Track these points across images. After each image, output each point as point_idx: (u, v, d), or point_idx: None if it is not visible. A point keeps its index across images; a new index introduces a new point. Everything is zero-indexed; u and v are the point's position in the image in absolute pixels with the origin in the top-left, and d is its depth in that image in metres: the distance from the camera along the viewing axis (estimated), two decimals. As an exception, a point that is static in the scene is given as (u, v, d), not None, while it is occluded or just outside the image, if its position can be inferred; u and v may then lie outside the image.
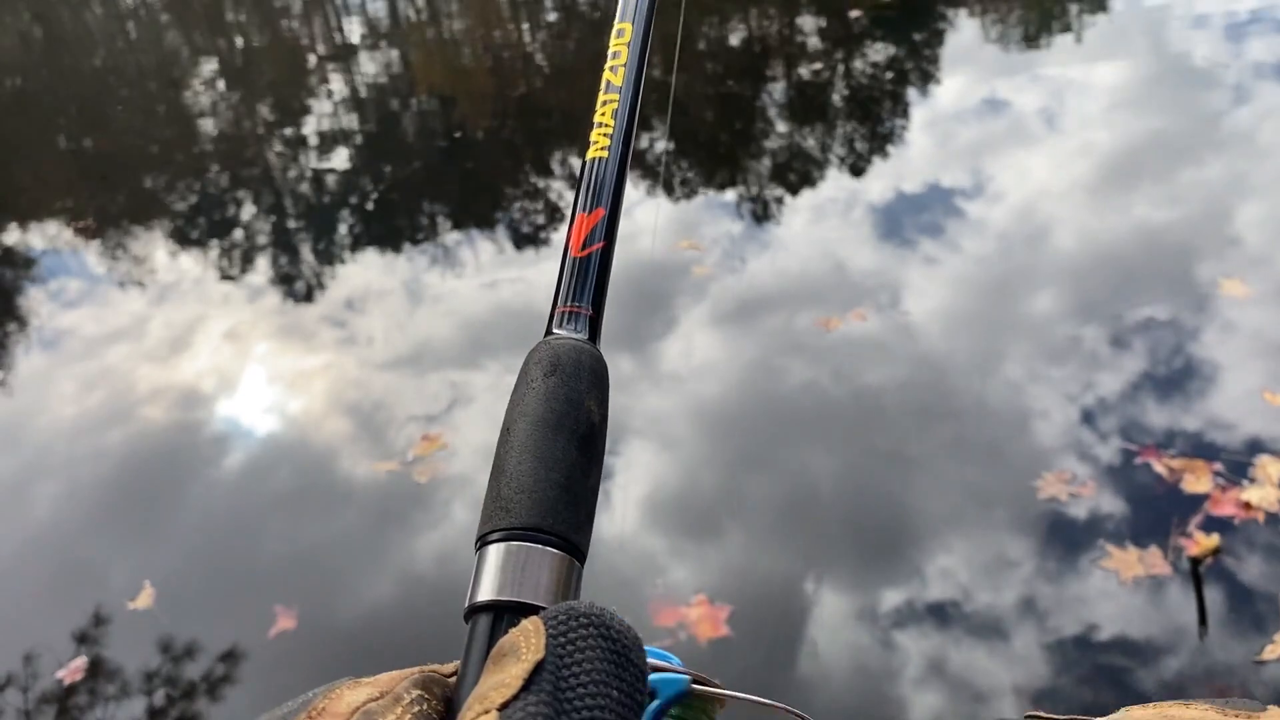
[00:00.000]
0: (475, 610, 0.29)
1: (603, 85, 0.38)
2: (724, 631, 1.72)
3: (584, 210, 0.35)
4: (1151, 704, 0.33)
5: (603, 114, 0.37)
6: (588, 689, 0.24)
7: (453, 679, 0.28)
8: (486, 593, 0.29)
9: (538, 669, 0.23)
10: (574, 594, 0.29)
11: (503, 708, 0.23)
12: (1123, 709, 0.32)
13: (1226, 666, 1.55)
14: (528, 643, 0.24)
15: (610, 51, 0.38)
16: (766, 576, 1.85)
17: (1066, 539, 1.79)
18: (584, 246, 0.35)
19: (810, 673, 1.66)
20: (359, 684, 0.26)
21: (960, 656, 1.63)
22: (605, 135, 0.37)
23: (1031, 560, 1.77)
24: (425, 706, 0.26)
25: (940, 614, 1.70)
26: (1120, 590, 1.68)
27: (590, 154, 0.36)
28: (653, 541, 1.96)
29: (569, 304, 0.34)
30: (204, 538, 2.21)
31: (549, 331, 0.34)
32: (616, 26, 0.39)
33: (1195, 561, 1.68)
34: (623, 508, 2.06)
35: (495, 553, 0.30)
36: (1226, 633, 1.59)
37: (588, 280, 0.34)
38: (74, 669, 1.89)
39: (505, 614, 0.28)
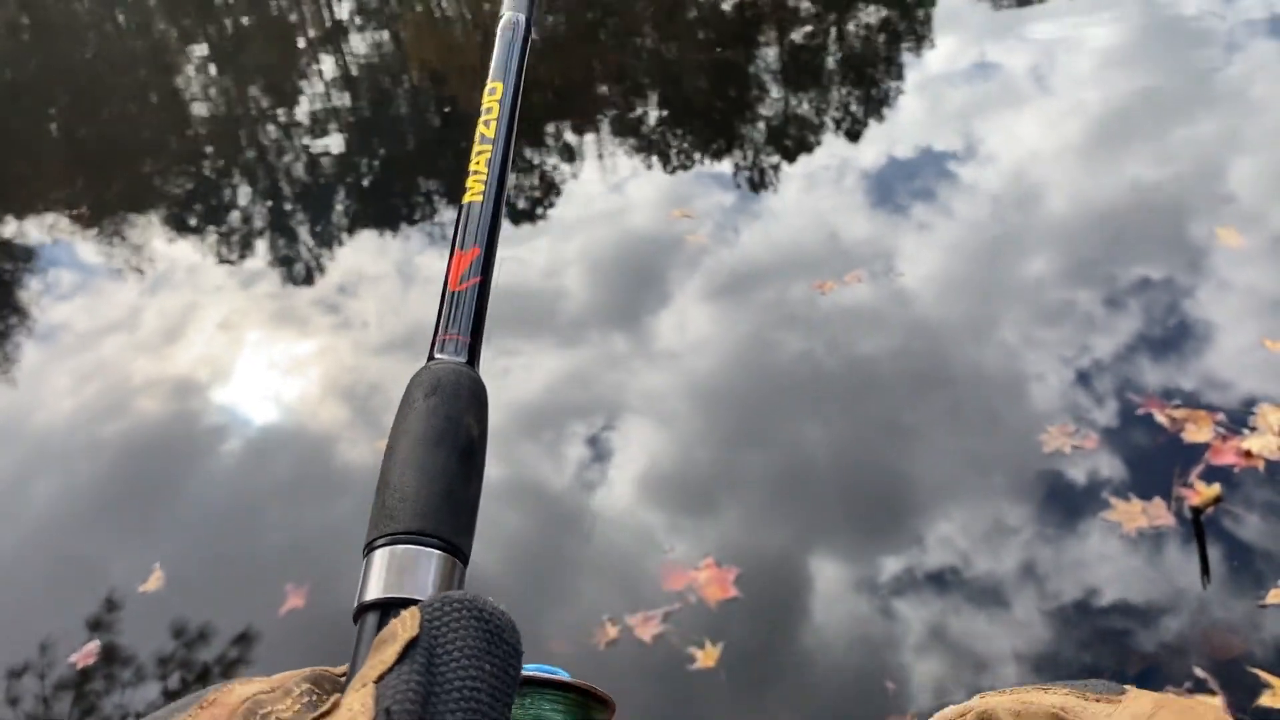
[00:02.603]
0: (363, 610, 0.31)
1: (477, 137, 0.41)
2: (733, 593, 1.74)
3: (461, 248, 0.38)
4: (1009, 689, 0.32)
5: (477, 163, 0.41)
6: (459, 662, 0.25)
7: (343, 678, 0.29)
8: (373, 593, 0.31)
9: (411, 645, 0.25)
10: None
11: (378, 680, 0.24)
12: (977, 695, 0.32)
13: (1231, 613, 1.56)
14: (404, 626, 0.26)
15: (484, 107, 0.42)
16: (772, 539, 1.87)
17: (1071, 492, 1.80)
18: (461, 281, 0.38)
19: (820, 627, 1.67)
20: (250, 681, 0.27)
21: (968, 606, 1.64)
22: (480, 181, 0.40)
23: (1036, 508, 1.78)
24: (314, 699, 0.28)
25: (948, 568, 1.71)
26: (1124, 541, 1.69)
27: (466, 198, 0.40)
28: (658, 513, 1.97)
29: (448, 333, 0.37)
30: (210, 522, 2.22)
31: (430, 358, 0.37)
32: (489, 85, 0.43)
33: (1197, 511, 1.68)
34: (623, 481, 2.06)
35: (380, 556, 0.32)
36: (1230, 579, 1.60)
37: (465, 311, 0.37)
38: (87, 653, 1.91)
39: (391, 609, 0.30)
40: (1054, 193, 2.78)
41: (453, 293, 0.38)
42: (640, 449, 2.13)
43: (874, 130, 3.39)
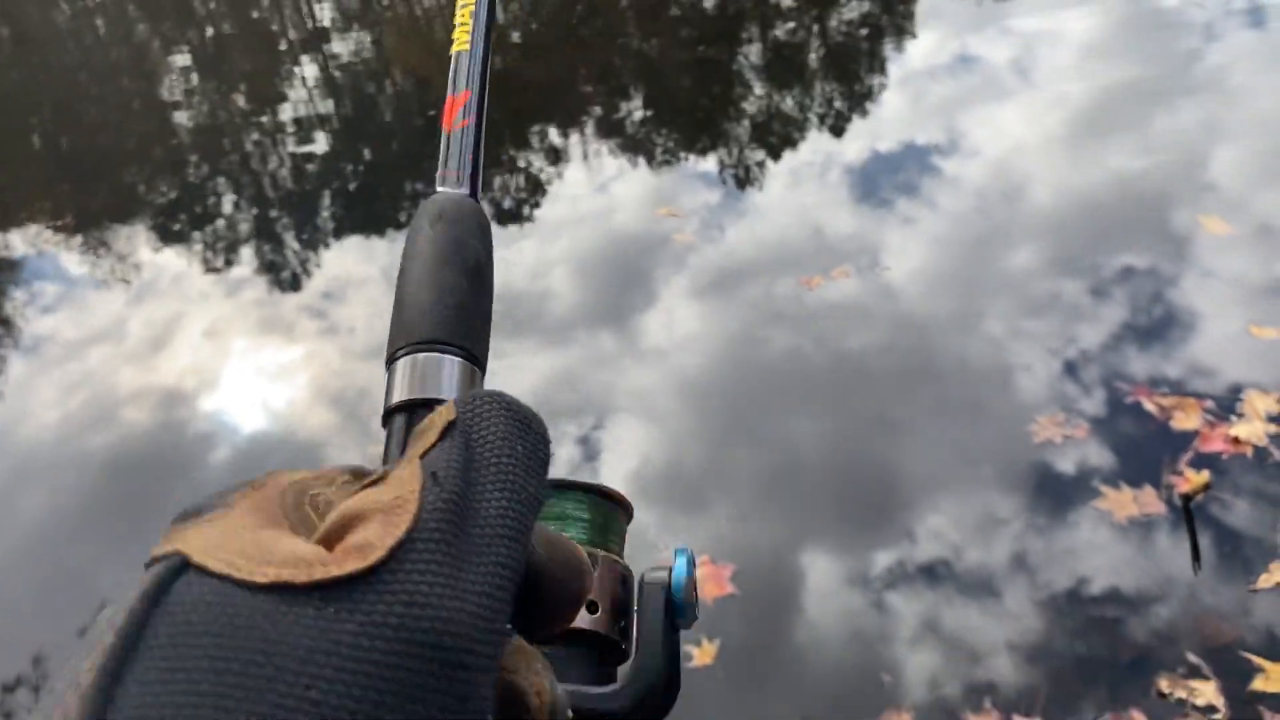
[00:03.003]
0: (390, 413, 0.33)
1: None
2: (729, 589, 1.74)
3: (453, 93, 0.41)
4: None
5: (462, 15, 0.44)
6: (494, 444, 0.27)
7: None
8: (398, 396, 0.33)
9: (450, 426, 0.27)
10: None
11: (422, 456, 0.26)
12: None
13: (1222, 599, 1.57)
14: (440, 416, 0.28)
15: None
16: (766, 536, 1.87)
17: (1062, 482, 1.80)
18: (455, 122, 0.41)
19: (816, 622, 1.68)
20: (296, 470, 0.29)
21: (960, 597, 1.65)
22: (465, 30, 0.43)
23: (1028, 499, 1.78)
24: (352, 479, 0.29)
25: (941, 561, 1.72)
26: (1115, 530, 1.70)
27: (454, 48, 0.42)
28: (651, 511, 1.97)
29: (447, 169, 0.40)
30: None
31: (434, 189, 0.40)
32: None
33: (1186, 498, 1.69)
34: (615, 481, 2.06)
35: (403, 364, 0.34)
36: (1220, 566, 1.61)
37: (462, 147, 0.41)
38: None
39: (418, 409, 0.33)
40: (1037, 185, 2.80)
41: (448, 133, 0.41)
42: (631, 448, 2.13)
43: (858, 125, 3.40)
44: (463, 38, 0.43)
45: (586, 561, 0.30)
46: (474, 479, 0.26)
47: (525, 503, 0.27)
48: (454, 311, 0.36)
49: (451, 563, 0.24)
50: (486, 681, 0.23)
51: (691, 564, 0.43)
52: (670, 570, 0.42)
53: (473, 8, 0.44)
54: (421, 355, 0.34)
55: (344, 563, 0.23)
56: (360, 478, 0.29)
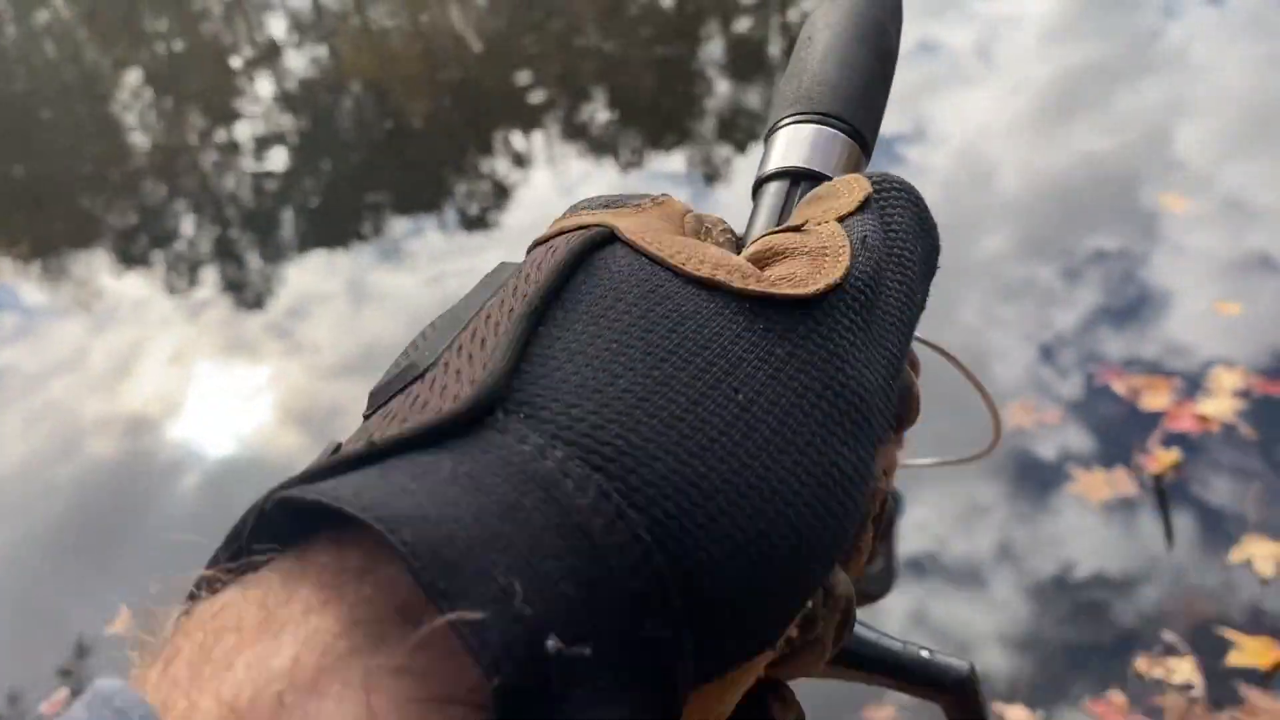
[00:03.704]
0: (769, 178, 0.31)
1: None
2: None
3: None
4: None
5: None
6: (901, 234, 0.26)
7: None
8: (783, 162, 0.31)
9: (868, 200, 0.26)
10: None
11: (840, 219, 0.26)
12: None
13: (1196, 576, 1.58)
14: (850, 187, 0.27)
15: None
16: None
17: (1034, 468, 1.81)
18: None
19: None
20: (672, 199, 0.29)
21: (937, 579, 1.65)
22: None
23: (1003, 486, 1.79)
24: (731, 236, 0.30)
25: (917, 548, 1.72)
26: (1089, 512, 1.70)
27: None
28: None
29: None
30: (174, 558, 2.17)
31: None
32: None
33: (1158, 478, 1.70)
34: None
35: (794, 131, 0.32)
36: (1193, 542, 1.63)
37: None
38: (57, 701, 1.86)
39: (800, 180, 0.31)
40: (1003, 169, 2.81)
41: None
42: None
43: (821, 117, 3.40)
44: None
45: (916, 386, 0.30)
46: (884, 262, 0.26)
47: (916, 305, 0.27)
48: (860, 91, 0.33)
49: (867, 331, 0.24)
50: (875, 455, 0.24)
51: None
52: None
53: None
54: (814, 126, 0.32)
55: (778, 285, 0.23)
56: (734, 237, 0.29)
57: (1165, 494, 1.67)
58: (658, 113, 3.78)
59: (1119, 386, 1.89)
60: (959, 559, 1.69)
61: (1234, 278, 2.14)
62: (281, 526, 0.20)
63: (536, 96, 3.91)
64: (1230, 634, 1.47)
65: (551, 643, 0.17)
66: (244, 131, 4.09)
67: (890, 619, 1.62)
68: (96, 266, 3.46)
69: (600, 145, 3.57)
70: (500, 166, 3.58)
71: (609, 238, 0.24)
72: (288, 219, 3.60)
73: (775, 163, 0.32)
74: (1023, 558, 1.67)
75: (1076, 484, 1.73)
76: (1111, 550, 1.63)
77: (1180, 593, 1.55)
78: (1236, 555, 1.57)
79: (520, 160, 3.59)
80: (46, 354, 3.05)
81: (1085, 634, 1.54)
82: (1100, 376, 1.93)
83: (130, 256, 3.50)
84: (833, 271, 0.24)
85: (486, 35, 4.57)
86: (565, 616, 0.17)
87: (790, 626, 0.23)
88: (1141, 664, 1.45)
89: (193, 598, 0.20)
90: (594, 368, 0.20)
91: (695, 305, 0.22)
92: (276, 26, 4.97)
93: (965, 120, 3.10)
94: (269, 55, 4.71)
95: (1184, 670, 1.44)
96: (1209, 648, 1.47)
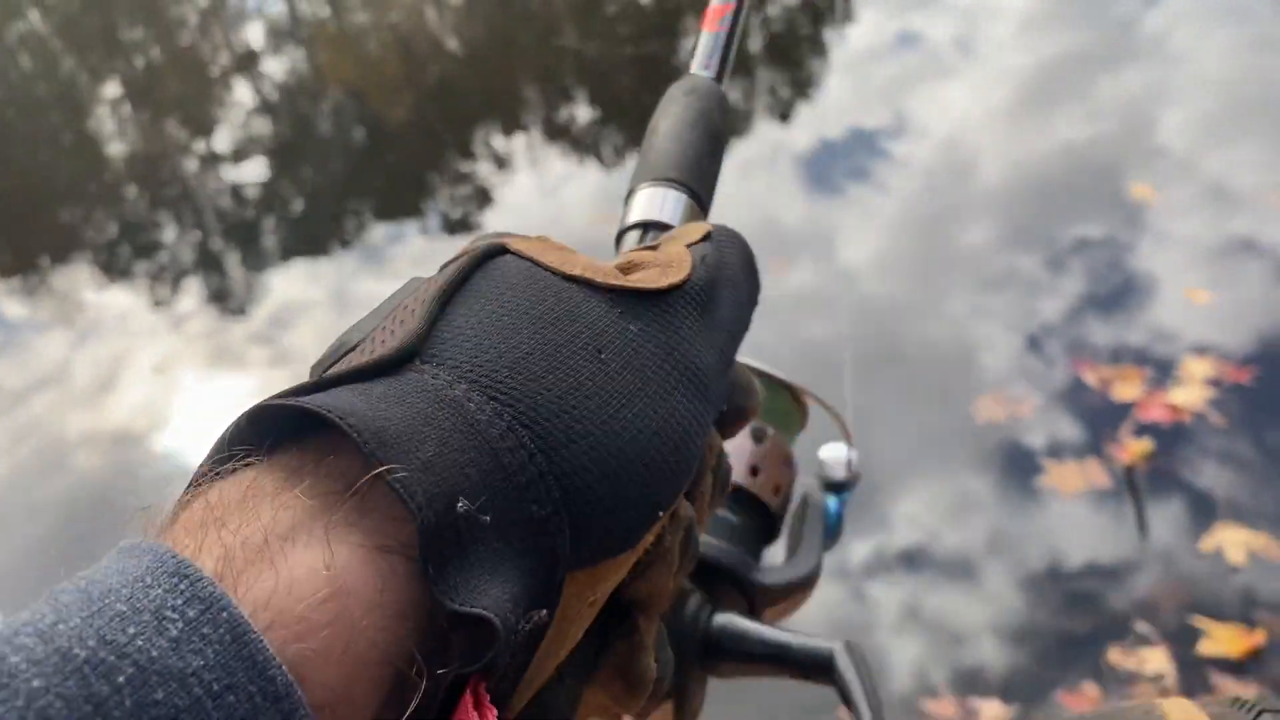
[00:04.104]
0: (628, 230, 0.41)
1: None
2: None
3: (719, 1, 0.50)
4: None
5: None
6: (733, 265, 0.33)
7: None
8: (639, 216, 0.41)
9: (709, 236, 0.33)
10: None
11: (688, 245, 0.32)
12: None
13: (1167, 566, 1.59)
14: (696, 228, 0.34)
15: None
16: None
17: (1007, 461, 1.82)
18: (715, 25, 0.50)
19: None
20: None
21: (914, 573, 1.66)
22: None
23: (976, 480, 1.80)
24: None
25: (895, 543, 1.73)
26: (1062, 504, 1.72)
27: None
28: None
29: (702, 59, 0.49)
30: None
31: (688, 73, 0.49)
32: None
33: (1129, 468, 1.72)
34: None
35: (647, 193, 0.42)
36: (1165, 533, 1.64)
37: (715, 45, 0.49)
38: None
39: (651, 228, 0.41)
40: (985, 161, 2.82)
41: (708, 33, 0.50)
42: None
43: (804, 112, 3.40)
44: None
45: (757, 388, 0.35)
46: (715, 290, 0.32)
47: (743, 322, 0.34)
48: (694, 163, 0.43)
49: (703, 324, 0.30)
50: (709, 417, 0.30)
51: (843, 504, 0.50)
52: (828, 501, 0.49)
53: None
54: (660, 189, 0.42)
55: (634, 282, 0.29)
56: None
57: (1137, 484, 1.69)
58: (638, 111, 3.78)
59: (1090, 377, 1.90)
60: (930, 552, 1.70)
61: (1202, 266, 2.15)
62: (252, 439, 0.26)
63: (516, 98, 3.91)
64: (1202, 622, 1.48)
65: (461, 504, 0.23)
66: (223, 141, 4.09)
67: (881, 612, 1.63)
68: (78, 280, 3.45)
69: (581, 145, 3.57)
70: (481, 169, 3.58)
71: (502, 250, 0.30)
72: (269, 227, 3.60)
73: (631, 218, 0.41)
74: (995, 551, 1.68)
75: (1048, 476, 1.74)
76: (1083, 542, 1.64)
77: (1152, 583, 1.56)
78: (1207, 544, 1.58)
79: (501, 163, 3.59)
80: (29, 369, 3.04)
81: (1058, 626, 1.55)
82: (1071, 368, 1.95)
83: (112, 269, 3.50)
84: (677, 275, 0.30)
85: (465, 38, 4.56)
86: (470, 490, 0.23)
87: (647, 536, 0.28)
88: (1114, 655, 1.47)
89: (186, 494, 0.26)
90: (489, 332, 0.26)
91: (569, 294, 0.28)
92: (253, 34, 4.95)
93: (946, 112, 3.10)
94: (246, 63, 4.69)
95: (1156, 660, 1.45)
96: (1181, 637, 1.48)
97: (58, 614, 0.19)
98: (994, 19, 3.58)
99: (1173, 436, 1.74)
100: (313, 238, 3.42)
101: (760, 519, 0.46)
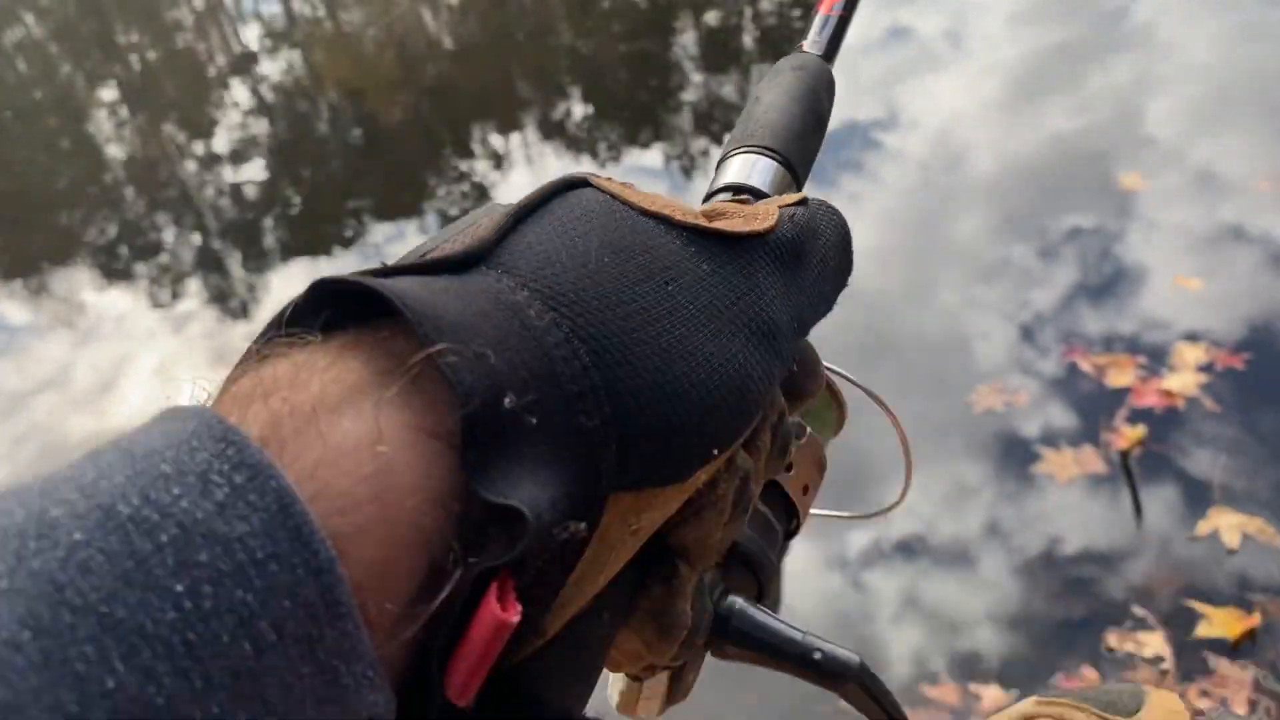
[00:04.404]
0: (714, 193, 0.41)
1: None
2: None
3: None
4: (1051, 699, 0.39)
5: None
6: (825, 236, 0.32)
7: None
8: (731, 179, 0.41)
9: (804, 201, 0.33)
10: None
11: (783, 206, 0.32)
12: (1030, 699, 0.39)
13: (1164, 550, 1.61)
14: (791, 196, 0.34)
15: None
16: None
17: (1004, 449, 1.84)
18: (831, 9, 0.50)
19: (787, 608, 1.70)
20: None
21: (910, 561, 1.68)
22: None
23: (973, 468, 1.82)
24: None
25: (894, 532, 1.75)
26: (1058, 491, 1.73)
27: None
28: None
29: (816, 37, 0.49)
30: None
31: (799, 50, 0.49)
32: None
33: (1124, 454, 1.73)
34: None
35: (740, 158, 0.41)
36: (1161, 518, 1.66)
37: (827, 25, 0.49)
38: None
39: (742, 193, 0.40)
40: (976, 151, 2.83)
41: (823, 15, 0.50)
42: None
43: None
44: None
45: (824, 378, 0.35)
46: (807, 241, 0.32)
47: (824, 295, 0.33)
48: (796, 136, 0.42)
49: (781, 281, 0.30)
50: (776, 371, 0.29)
51: None
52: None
53: None
54: (754, 155, 0.41)
55: (712, 223, 0.30)
56: None
57: (1132, 470, 1.71)
58: (633, 106, 3.79)
59: (1084, 365, 1.92)
60: (929, 540, 1.72)
61: (1193, 253, 2.17)
62: (308, 319, 0.25)
63: (512, 96, 3.92)
64: (1199, 606, 1.50)
65: (509, 399, 0.22)
66: (221, 142, 4.09)
67: (882, 601, 1.65)
68: (78, 282, 3.46)
69: (577, 142, 3.59)
70: (479, 167, 3.59)
71: (584, 182, 0.30)
72: (269, 227, 3.61)
73: (722, 180, 0.41)
74: (993, 538, 1.70)
75: (1045, 463, 1.76)
76: (1080, 527, 1.66)
77: (1148, 567, 1.58)
78: (1203, 527, 1.60)
79: (498, 160, 3.60)
80: (29, 372, 3.05)
81: (1056, 611, 1.57)
82: (1065, 356, 1.96)
83: (112, 271, 3.51)
84: (761, 225, 0.30)
85: (460, 37, 4.57)
86: (519, 388, 0.23)
87: (698, 475, 0.27)
88: (1112, 639, 1.49)
89: (235, 370, 0.25)
90: (559, 249, 0.26)
91: (644, 226, 0.28)
92: (250, 35, 4.96)
93: (938, 104, 3.12)
94: (243, 65, 4.70)
95: (1154, 644, 1.47)
96: (1178, 620, 1.50)
97: (99, 471, 0.19)
98: (984, 12, 3.60)
99: (1167, 422, 1.76)
100: (312, 238, 3.43)
101: (785, 516, 0.45)
